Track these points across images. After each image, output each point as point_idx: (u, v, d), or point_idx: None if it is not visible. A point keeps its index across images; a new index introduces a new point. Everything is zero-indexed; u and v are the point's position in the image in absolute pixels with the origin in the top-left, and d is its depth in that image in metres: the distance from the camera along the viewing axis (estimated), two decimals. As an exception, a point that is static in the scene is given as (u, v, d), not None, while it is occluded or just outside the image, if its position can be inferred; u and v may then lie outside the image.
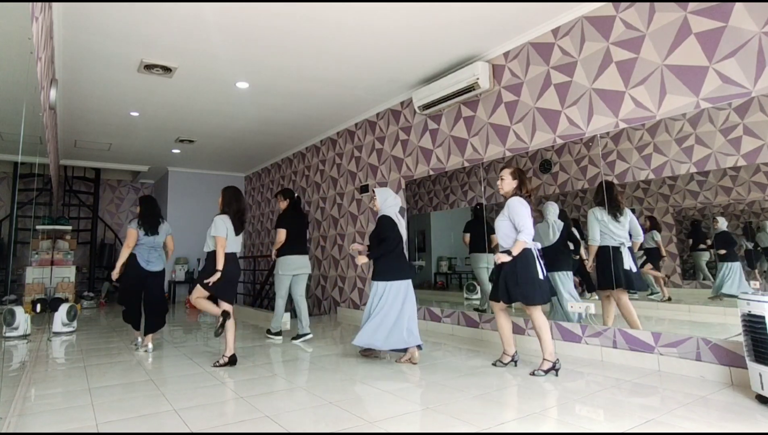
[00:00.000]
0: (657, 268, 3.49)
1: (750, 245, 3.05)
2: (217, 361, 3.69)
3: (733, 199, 3.03)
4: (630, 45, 3.50)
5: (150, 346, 4.36)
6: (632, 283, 3.54)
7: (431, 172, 5.33)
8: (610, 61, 3.63)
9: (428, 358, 3.82)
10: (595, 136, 3.73)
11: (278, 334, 4.91)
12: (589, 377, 3.14)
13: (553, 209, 4.13)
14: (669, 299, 3.45)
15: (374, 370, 3.54)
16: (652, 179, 3.42)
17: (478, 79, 4.48)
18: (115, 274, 4.28)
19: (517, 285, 3.23)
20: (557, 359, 3.22)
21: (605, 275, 3.64)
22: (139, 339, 4.47)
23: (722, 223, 3.18)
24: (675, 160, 3.28)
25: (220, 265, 3.63)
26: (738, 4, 2.94)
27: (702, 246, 3.28)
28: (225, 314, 3.65)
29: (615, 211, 3.58)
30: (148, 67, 4.72)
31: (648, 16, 3.40)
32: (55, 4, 3.51)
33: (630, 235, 3.57)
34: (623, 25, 3.54)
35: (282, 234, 4.89)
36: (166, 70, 4.78)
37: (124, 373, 3.49)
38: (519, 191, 3.40)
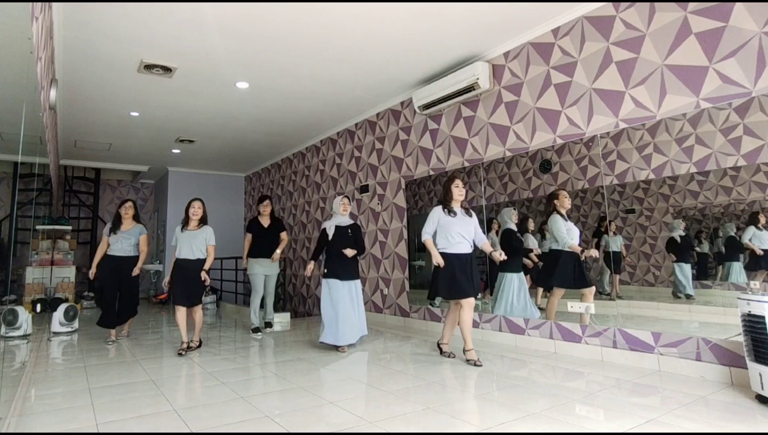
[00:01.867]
0: (618, 270, 3.69)
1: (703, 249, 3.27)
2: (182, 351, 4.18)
3: (734, 199, 3.03)
4: (630, 45, 3.50)
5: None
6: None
7: (431, 172, 5.33)
8: (610, 61, 3.63)
9: (429, 359, 3.82)
10: (595, 136, 3.73)
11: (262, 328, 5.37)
12: (589, 377, 3.14)
13: (499, 217, 4.60)
14: (619, 297, 3.66)
15: (374, 370, 3.54)
16: (652, 179, 3.42)
17: (478, 79, 4.48)
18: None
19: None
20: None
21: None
22: (113, 335, 4.83)
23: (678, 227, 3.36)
24: (675, 160, 3.28)
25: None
26: (738, 4, 2.94)
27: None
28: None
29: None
30: (148, 67, 4.72)
31: (648, 16, 3.40)
32: (55, 4, 3.51)
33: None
34: (623, 25, 3.54)
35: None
36: (166, 70, 4.78)
37: (124, 373, 3.49)
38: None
